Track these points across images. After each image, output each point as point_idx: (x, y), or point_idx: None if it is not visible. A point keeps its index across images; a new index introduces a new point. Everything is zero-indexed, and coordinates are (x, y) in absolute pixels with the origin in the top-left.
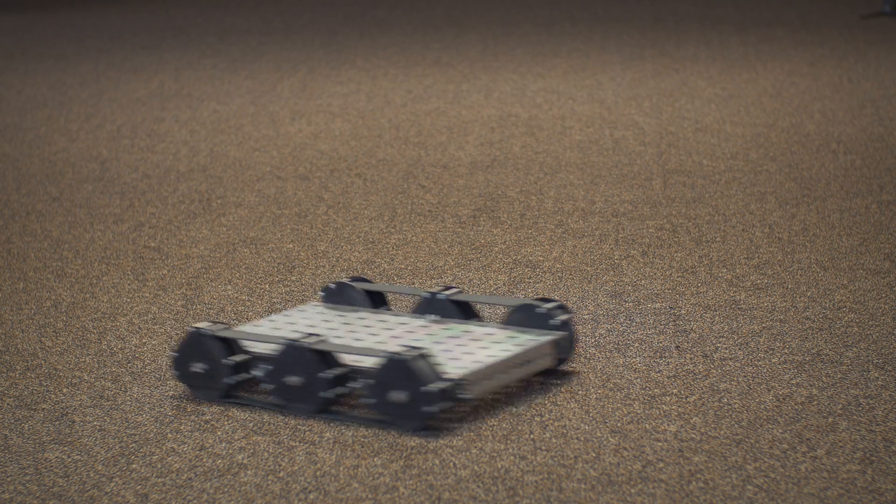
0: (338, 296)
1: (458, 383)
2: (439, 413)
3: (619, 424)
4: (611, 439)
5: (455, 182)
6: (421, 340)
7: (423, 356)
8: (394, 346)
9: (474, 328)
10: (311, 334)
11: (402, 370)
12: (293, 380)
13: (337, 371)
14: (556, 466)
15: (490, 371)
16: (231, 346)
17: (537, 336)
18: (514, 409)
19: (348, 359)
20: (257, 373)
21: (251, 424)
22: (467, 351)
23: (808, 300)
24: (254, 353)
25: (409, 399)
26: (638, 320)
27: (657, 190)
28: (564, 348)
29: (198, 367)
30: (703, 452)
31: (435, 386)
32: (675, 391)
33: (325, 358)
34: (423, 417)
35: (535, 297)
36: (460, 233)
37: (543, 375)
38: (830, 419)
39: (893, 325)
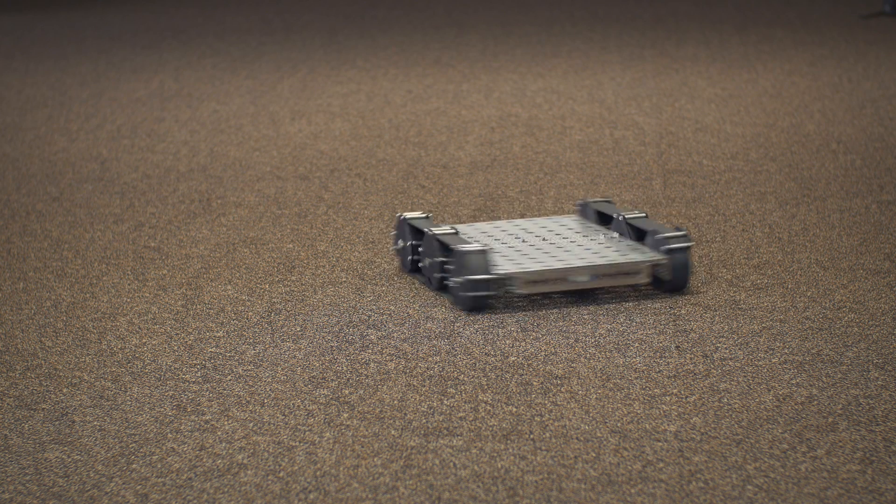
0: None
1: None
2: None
3: (619, 424)
4: (611, 439)
5: (455, 182)
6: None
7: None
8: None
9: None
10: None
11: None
12: None
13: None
14: (556, 466)
15: (539, 275)
16: None
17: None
18: (514, 409)
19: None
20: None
21: (251, 424)
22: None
23: (808, 300)
24: None
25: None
26: (638, 320)
27: (657, 190)
28: (662, 271)
29: None
30: (703, 452)
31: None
32: (675, 391)
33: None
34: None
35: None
36: None
37: (545, 379)
38: (830, 419)
39: (893, 325)
